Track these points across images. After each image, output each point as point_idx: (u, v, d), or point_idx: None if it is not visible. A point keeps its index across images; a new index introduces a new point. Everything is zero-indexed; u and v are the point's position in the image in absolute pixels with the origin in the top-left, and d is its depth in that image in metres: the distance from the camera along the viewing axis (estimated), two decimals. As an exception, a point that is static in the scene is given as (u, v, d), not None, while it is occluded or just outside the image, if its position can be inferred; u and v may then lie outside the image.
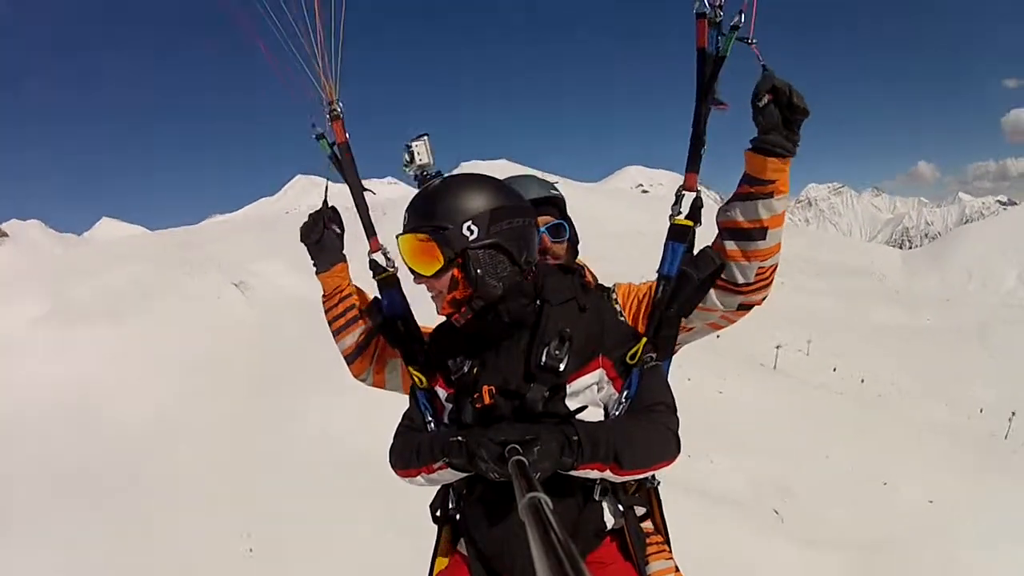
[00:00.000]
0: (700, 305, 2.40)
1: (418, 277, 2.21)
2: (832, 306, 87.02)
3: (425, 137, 2.54)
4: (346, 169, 2.86)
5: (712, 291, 2.37)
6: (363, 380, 3.02)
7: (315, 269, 2.93)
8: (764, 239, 2.24)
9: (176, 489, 14.54)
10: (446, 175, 2.41)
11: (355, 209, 2.97)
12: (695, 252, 2.41)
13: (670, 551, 2.42)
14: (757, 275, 2.31)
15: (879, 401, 33.80)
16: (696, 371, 27.02)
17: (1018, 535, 14.46)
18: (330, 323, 2.97)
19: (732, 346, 38.28)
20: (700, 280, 2.35)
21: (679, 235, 2.41)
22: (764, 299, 2.42)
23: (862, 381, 43.14)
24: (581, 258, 3.11)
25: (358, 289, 2.99)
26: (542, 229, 2.73)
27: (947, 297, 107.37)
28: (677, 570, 2.34)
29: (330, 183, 2.95)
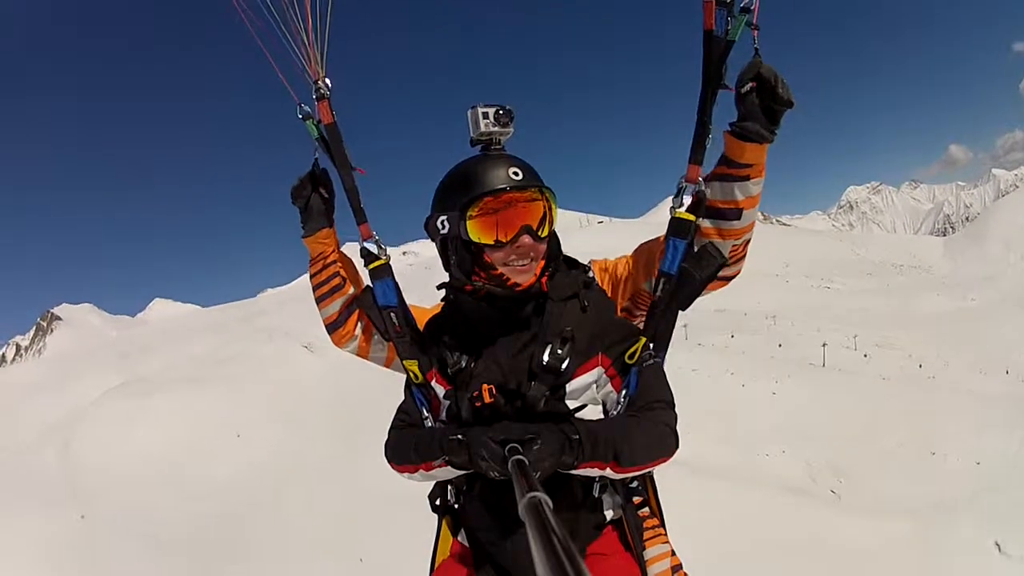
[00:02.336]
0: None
1: (523, 239, 2.14)
2: (878, 303, 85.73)
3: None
4: (334, 151, 2.73)
5: None
6: (346, 349, 2.94)
7: (302, 233, 2.86)
8: (739, 219, 2.29)
9: (285, 536, 15.10)
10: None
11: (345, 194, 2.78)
12: (696, 248, 2.38)
13: (666, 534, 2.43)
14: (731, 252, 2.36)
15: (928, 382, 33.69)
16: (750, 378, 27.52)
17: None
18: (313, 289, 2.91)
19: (785, 352, 38.65)
20: (701, 280, 2.32)
21: (680, 231, 2.34)
22: (737, 272, 2.47)
23: (920, 366, 42.81)
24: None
25: (344, 256, 2.92)
26: None
27: (989, 274, 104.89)
28: (673, 553, 2.36)
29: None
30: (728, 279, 2.45)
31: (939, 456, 18.46)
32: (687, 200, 2.38)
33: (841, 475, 17.24)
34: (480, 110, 2.37)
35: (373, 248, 2.68)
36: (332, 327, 2.86)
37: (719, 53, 2.22)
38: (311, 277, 2.89)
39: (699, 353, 28.37)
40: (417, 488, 2.43)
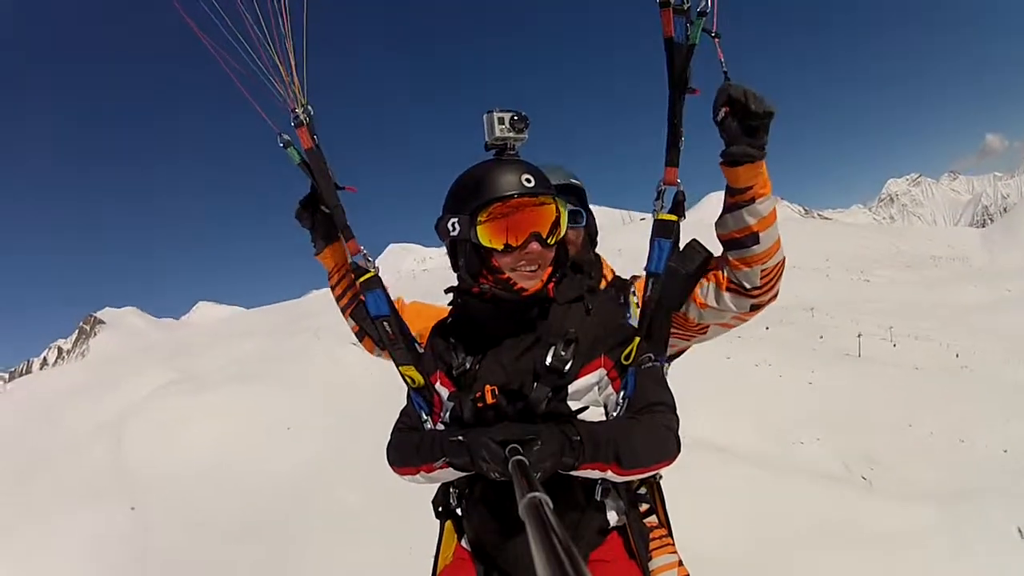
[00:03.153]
0: (713, 305, 2.41)
1: (532, 245, 2.16)
2: (916, 295, 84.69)
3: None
4: (317, 176, 2.72)
5: (725, 294, 2.38)
6: (378, 355, 2.98)
7: (313, 251, 2.95)
8: (758, 243, 2.27)
9: (338, 525, 15.64)
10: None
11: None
12: (681, 246, 2.46)
13: (673, 544, 2.43)
14: (762, 277, 2.33)
15: (961, 372, 33.69)
16: (787, 368, 27.78)
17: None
18: (336, 301, 3.00)
19: (823, 343, 38.87)
20: (687, 274, 2.40)
21: (664, 231, 2.42)
22: (774, 297, 2.41)
23: (957, 355, 42.87)
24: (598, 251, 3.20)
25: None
26: None
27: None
28: (681, 564, 2.35)
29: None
30: (760, 307, 2.42)
31: (968, 443, 18.74)
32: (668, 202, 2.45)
33: (873, 462, 17.66)
34: (496, 115, 2.38)
35: (361, 262, 2.72)
36: (360, 335, 2.95)
37: (682, 58, 2.29)
38: (332, 291, 3.01)
39: (737, 344, 28.82)
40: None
